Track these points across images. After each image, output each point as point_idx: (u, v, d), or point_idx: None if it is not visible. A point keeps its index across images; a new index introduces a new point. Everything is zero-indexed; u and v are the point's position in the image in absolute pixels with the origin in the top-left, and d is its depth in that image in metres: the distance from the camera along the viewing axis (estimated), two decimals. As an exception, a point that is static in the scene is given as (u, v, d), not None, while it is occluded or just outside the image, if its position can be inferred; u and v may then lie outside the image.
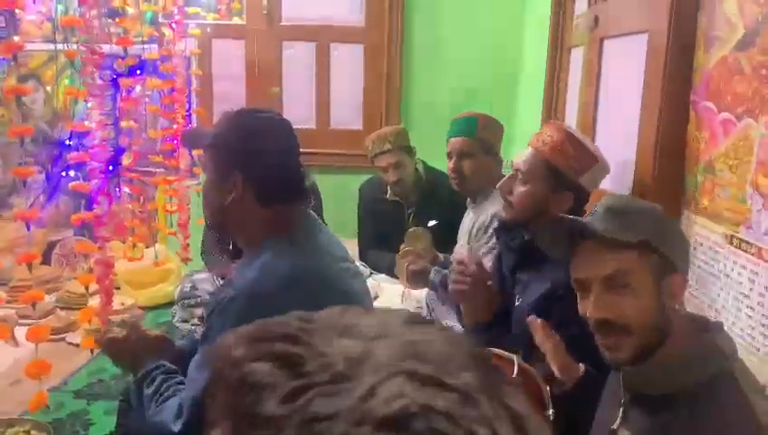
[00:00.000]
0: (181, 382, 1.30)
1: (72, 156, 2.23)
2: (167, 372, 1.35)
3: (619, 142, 1.87)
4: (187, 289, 2.50)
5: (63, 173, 3.07)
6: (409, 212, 2.67)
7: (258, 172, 1.25)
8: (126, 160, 2.35)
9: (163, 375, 1.33)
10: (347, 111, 3.48)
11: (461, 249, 2.26)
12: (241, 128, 1.29)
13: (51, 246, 3.25)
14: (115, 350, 1.46)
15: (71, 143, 2.68)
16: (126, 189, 2.76)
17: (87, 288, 2.08)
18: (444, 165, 2.37)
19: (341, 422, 0.28)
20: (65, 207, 3.33)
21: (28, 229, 1.74)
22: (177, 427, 1.16)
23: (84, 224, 3.27)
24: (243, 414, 0.31)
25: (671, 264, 0.98)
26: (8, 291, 2.81)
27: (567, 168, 1.49)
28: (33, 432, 1.80)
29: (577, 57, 2.39)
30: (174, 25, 2.81)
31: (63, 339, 2.48)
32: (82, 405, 2.04)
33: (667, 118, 1.58)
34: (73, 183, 2.34)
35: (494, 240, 1.91)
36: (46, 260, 3.16)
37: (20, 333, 2.46)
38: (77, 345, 2.38)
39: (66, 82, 3.25)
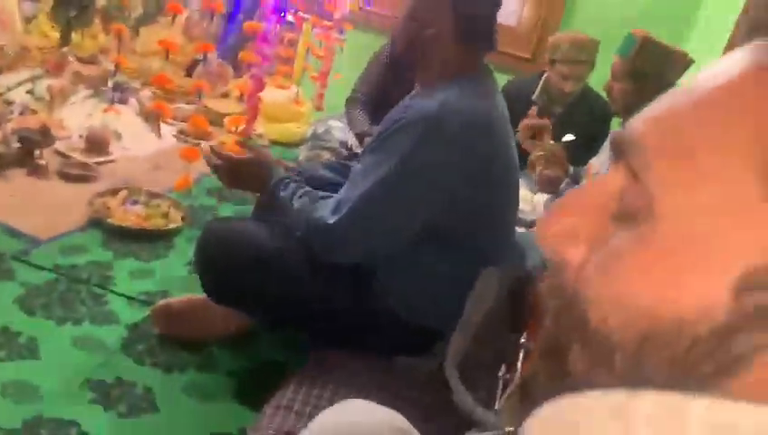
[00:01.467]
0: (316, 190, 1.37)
1: None
2: (295, 180, 1.41)
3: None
4: (321, 131, 2.59)
5: None
6: (552, 122, 2.62)
7: (469, 9, 1.26)
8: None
9: (294, 183, 1.40)
10: (507, 2, 3.33)
11: (595, 161, 2.22)
12: None
13: (195, 62, 3.42)
14: (235, 170, 1.44)
15: None
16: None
17: (241, 96, 2.18)
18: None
19: None
20: (216, 29, 3.45)
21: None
22: (332, 219, 1.25)
23: (227, 48, 3.42)
24: None
25: None
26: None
27: None
28: (172, 209, 2.00)
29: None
30: None
31: (199, 145, 2.66)
32: (213, 201, 2.22)
33: None
34: (248, 23, 2.37)
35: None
36: (188, 74, 3.34)
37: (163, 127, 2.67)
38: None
39: None
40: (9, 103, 2.34)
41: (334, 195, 1.32)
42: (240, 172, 1.46)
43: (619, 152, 0.31)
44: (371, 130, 2.31)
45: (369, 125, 2.40)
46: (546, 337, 0.32)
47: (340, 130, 2.57)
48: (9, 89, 2.46)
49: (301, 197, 1.35)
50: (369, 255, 1.29)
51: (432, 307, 1.30)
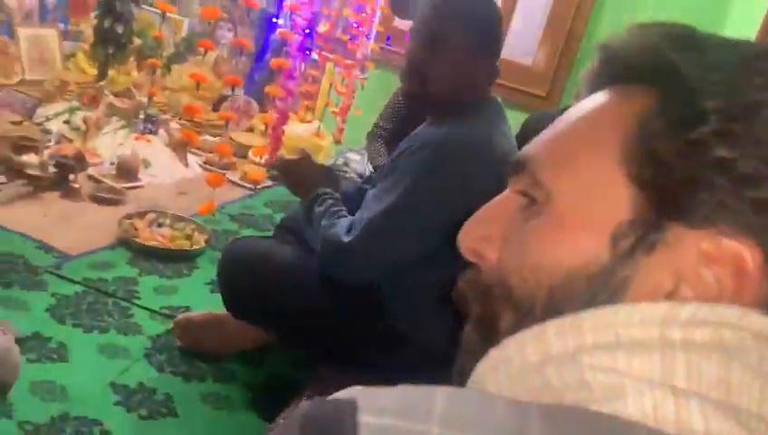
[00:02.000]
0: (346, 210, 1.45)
1: (281, 32, 2.41)
2: (334, 198, 1.50)
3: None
4: (340, 162, 2.69)
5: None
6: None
7: (477, 25, 1.35)
8: (323, 27, 2.52)
9: (332, 200, 1.49)
10: (523, 41, 3.45)
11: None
12: None
13: (222, 98, 3.58)
14: (289, 168, 1.58)
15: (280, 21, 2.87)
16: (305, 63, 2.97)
17: (266, 129, 2.29)
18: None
19: None
20: (243, 66, 3.62)
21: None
22: (346, 239, 1.32)
23: (253, 85, 3.58)
24: None
25: None
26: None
27: None
28: (196, 232, 2.08)
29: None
30: None
31: (224, 174, 2.78)
32: (235, 227, 2.31)
33: None
34: (275, 60, 2.52)
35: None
36: (216, 109, 3.49)
37: (189, 156, 2.79)
38: (235, 182, 2.69)
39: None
40: (48, 132, 2.48)
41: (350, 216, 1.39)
42: (299, 168, 1.55)
43: (519, 169, 0.41)
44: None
45: (387, 158, 2.50)
46: (476, 317, 0.41)
47: (357, 163, 2.67)
48: (48, 119, 2.61)
49: (330, 216, 1.42)
50: (378, 273, 1.34)
51: (437, 329, 1.34)
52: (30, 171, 2.13)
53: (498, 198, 0.42)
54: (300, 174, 1.57)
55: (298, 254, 1.49)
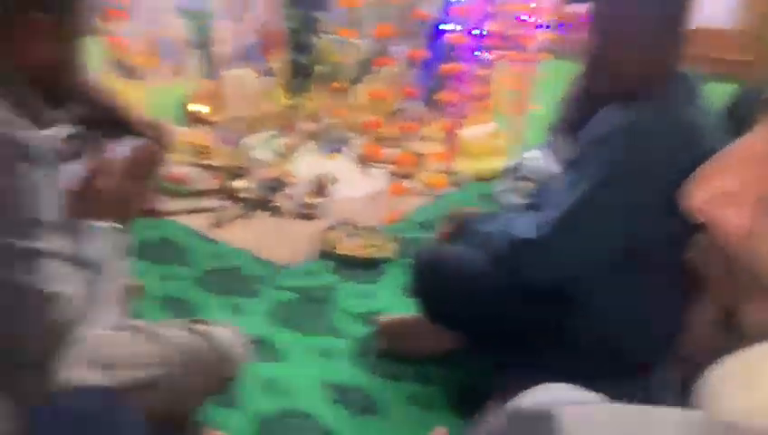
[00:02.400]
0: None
1: (450, 36, 2.45)
2: (493, 217, 1.47)
3: None
4: (519, 163, 2.64)
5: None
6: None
7: (656, 16, 1.24)
8: (491, 26, 2.51)
9: (486, 216, 1.46)
10: (717, 4, 3.09)
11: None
12: None
13: (400, 109, 3.72)
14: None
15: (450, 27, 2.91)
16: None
17: (441, 135, 2.33)
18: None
19: None
20: (416, 77, 3.73)
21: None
22: (535, 235, 1.28)
23: (426, 93, 3.67)
24: None
25: None
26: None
27: None
28: (386, 241, 2.20)
29: None
30: None
31: (406, 184, 2.89)
32: (421, 233, 2.38)
33: None
34: (445, 65, 2.57)
35: None
36: (392, 122, 3.64)
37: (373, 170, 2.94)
38: (417, 190, 2.78)
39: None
40: (253, 159, 2.79)
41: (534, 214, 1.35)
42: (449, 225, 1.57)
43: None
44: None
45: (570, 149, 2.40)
46: (713, 302, 0.32)
47: (539, 161, 2.60)
48: (253, 148, 2.94)
49: (494, 223, 1.40)
50: (573, 272, 1.28)
51: (633, 332, 1.25)
52: (242, 194, 2.42)
53: (743, 141, 0.31)
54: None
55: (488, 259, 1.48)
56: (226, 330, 1.02)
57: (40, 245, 0.74)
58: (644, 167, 1.20)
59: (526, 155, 2.72)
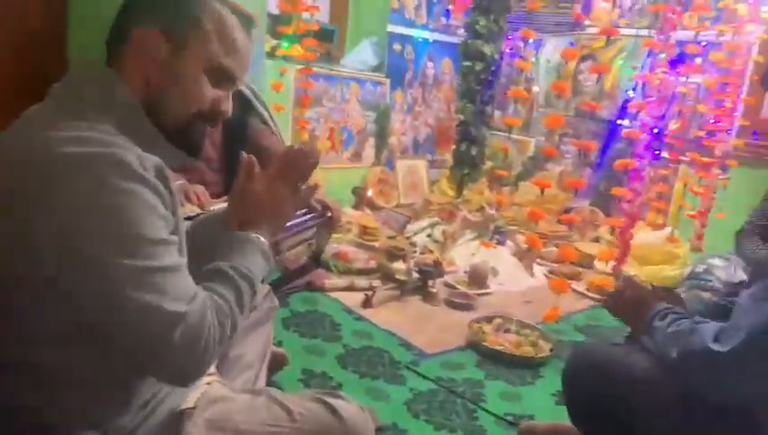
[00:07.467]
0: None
1: (626, 131, 2.37)
2: (676, 313, 1.31)
3: None
4: (700, 270, 2.39)
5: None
6: None
7: None
8: (673, 125, 2.37)
9: (675, 315, 1.30)
10: None
11: None
12: None
13: (567, 210, 3.61)
14: (616, 303, 1.43)
15: (623, 122, 2.85)
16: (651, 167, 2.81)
17: (612, 233, 2.20)
18: None
19: None
20: (588, 178, 3.61)
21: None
22: (716, 347, 1.12)
23: (598, 195, 3.52)
24: None
25: None
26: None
27: None
28: (540, 339, 2.07)
29: None
30: (750, 3, 2.66)
31: (569, 281, 2.73)
32: (581, 337, 2.22)
33: None
34: (620, 160, 2.47)
35: None
36: (559, 222, 3.52)
37: (536, 267, 2.84)
38: (581, 292, 2.62)
39: (619, 63, 3.49)
40: (414, 244, 2.85)
41: (712, 321, 1.19)
42: (624, 297, 1.45)
43: None
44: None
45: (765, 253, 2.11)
46: None
47: (722, 270, 2.32)
48: (415, 233, 3.01)
49: (678, 325, 1.26)
50: (758, 392, 1.10)
51: None
52: (398, 277, 2.45)
53: None
54: (626, 303, 1.42)
55: (655, 364, 1.31)
56: (360, 410, 0.99)
57: (161, 262, 0.72)
58: None
59: (710, 261, 2.46)
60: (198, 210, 1.58)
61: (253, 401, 0.96)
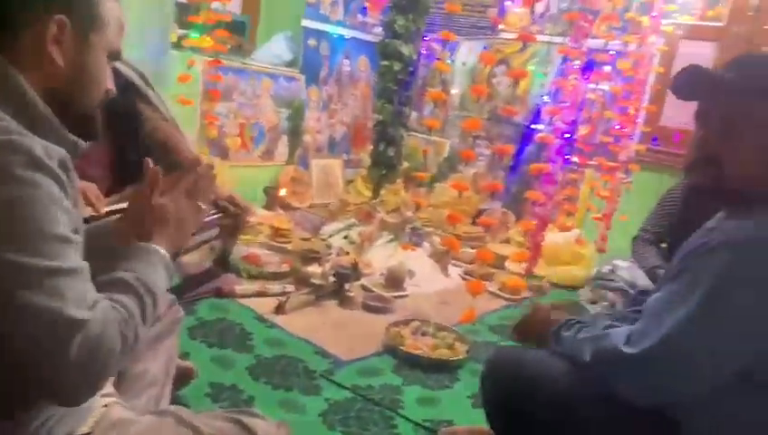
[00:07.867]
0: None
1: (540, 136, 2.43)
2: (581, 322, 1.33)
3: None
4: (606, 271, 2.48)
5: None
6: None
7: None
8: (583, 130, 2.45)
9: (579, 324, 1.32)
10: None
11: None
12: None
13: (480, 212, 3.67)
14: (524, 327, 1.46)
15: (538, 127, 2.92)
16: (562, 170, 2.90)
17: (524, 236, 2.24)
18: None
19: None
20: (501, 180, 3.69)
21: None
22: (627, 349, 1.14)
23: (509, 198, 3.61)
24: None
25: None
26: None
27: None
28: (457, 341, 2.06)
29: None
30: (652, 16, 2.80)
31: (484, 283, 2.76)
32: (495, 338, 2.24)
33: None
34: (535, 165, 2.52)
35: None
36: (474, 223, 3.58)
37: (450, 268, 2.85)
38: (494, 293, 2.65)
39: (531, 69, 3.58)
40: (329, 246, 2.78)
41: (623, 325, 1.21)
42: (529, 322, 1.46)
43: None
44: (663, 264, 2.13)
45: (660, 260, 2.22)
46: None
47: (626, 271, 2.42)
48: (330, 235, 2.94)
49: (588, 331, 1.28)
50: (672, 396, 1.13)
51: None
52: (314, 280, 2.37)
53: None
54: (533, 326, 1.45)
55: (572, 367, 1.32)
56: (276, 428, 0.93)
57: (63, 263, 0.65)
58: (752, 294, 1.05)
59: (615, 262, 2.56)
60: (92, 212, 1.43)
61: (158, 424, 0.88)
